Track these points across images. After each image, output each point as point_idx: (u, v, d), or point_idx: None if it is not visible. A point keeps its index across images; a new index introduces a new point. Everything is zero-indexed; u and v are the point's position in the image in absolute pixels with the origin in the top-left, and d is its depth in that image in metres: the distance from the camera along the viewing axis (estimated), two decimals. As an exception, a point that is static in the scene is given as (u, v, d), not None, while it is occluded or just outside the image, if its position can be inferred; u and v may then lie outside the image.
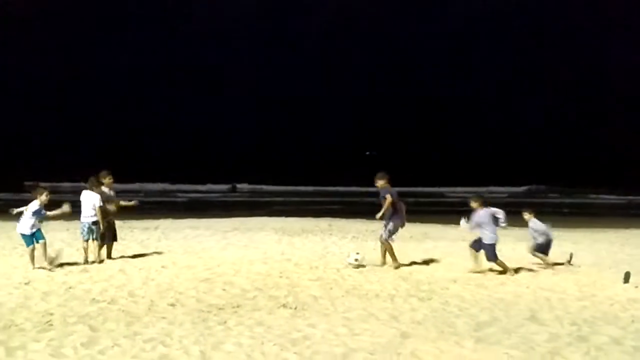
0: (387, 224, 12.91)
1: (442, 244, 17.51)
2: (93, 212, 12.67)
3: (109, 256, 13.07)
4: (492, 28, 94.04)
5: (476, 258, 12.57)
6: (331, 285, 10.88)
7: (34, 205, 11.98)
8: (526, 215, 13.78)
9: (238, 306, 9.14)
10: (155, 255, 14.03)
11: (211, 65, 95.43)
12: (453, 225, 19.01)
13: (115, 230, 13.40)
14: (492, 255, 12.33)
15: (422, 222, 26.81)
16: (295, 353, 6.88)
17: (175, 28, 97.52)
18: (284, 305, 9.24)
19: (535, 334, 7.95)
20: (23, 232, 11.97)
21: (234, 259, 13.73)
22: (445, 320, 8.57)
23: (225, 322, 8.19)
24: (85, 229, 12.64)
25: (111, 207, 13.03)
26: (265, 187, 54.58)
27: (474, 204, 12.59)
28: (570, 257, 13.81)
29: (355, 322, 8.32)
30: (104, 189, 12.99)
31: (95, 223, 12.66)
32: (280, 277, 11.46)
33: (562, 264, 13.37)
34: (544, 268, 13.09)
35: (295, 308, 9.09)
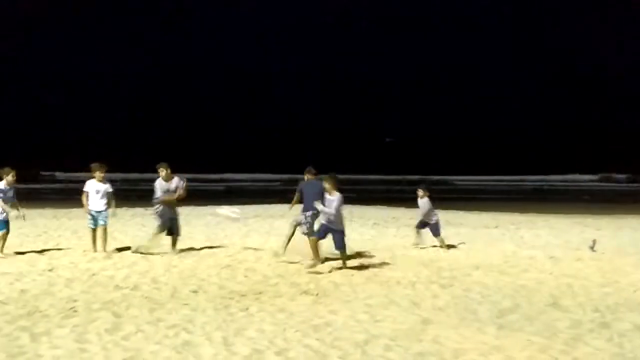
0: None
1: (464, 231, 17.47)
2: (99, 200, 12.65)
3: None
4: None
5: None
6: (352, 272, 10.88)
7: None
8: (420, 193, 14.19)
9: (260, 293, 9.17)
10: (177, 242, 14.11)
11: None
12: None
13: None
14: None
15: (443, 209, 26.79)
16: (317, 339, 6.89)
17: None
18: (306, 292, 9.25)
19: (557, 320, 7.90)
20: None
21: (255, 245, 13.79)
22: (467, 306, 8.54)
23: (247, 308, 8.22)
24: (92, 217, 12.67)
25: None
26: (283, 176, 54.67)
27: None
28: (594, 244, 13.73)
29: (377, 309, 8.32)
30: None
31: (99, 212, 12.64)
32: (302, 263, 11.49)
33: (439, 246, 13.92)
34: (419, 246, 13.99)
35: (317, 295, 9.10)
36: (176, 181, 12.73)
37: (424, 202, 14.01)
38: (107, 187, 12.79)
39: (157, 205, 12.68)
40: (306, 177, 12.48)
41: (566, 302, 8.86)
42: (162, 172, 12.62)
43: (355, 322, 7.67)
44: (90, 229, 12.72)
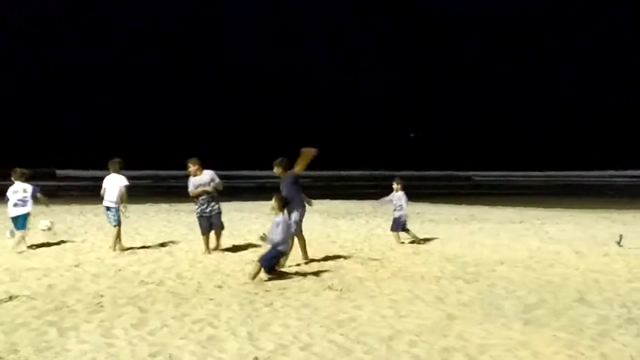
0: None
1: (488, 226, 17.35)
2: (114, 196, 12.49)
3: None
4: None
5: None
6: (376, 268, 10.86)
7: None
8: (395, 186, 14.26)
9: (284, 288, 9.19)
10: (201, 238, 14.18)
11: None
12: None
13: None
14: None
15: (468, 204, 26.68)
16: (341, 334, 6.89)
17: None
18: (330, 287, 9.25)
19: (584, 316, 7.83)
20: None
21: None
22: (492, 302, 8.49)
23: (271, 303, 8.24)
24: (108, 213, 12.63)
25: None
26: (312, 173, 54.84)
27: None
28: (620, 239, 13.58)
29: (401, 304, 8.30)
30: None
31: (109, 208, 12.52)
32: (326, 259, 11.48)
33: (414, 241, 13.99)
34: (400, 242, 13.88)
35: (341, 290, 9.09)
36: (208, 174, 12.49)
37: (399, 195, 14.09)
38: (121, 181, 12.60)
39: (197, 203, 12.48)
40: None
41: (593, 298, 8.77)
42: (190, 167, 12.47)
43: (380, 317, 7.66)
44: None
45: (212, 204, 12.44)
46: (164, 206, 22.54)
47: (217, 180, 12.51)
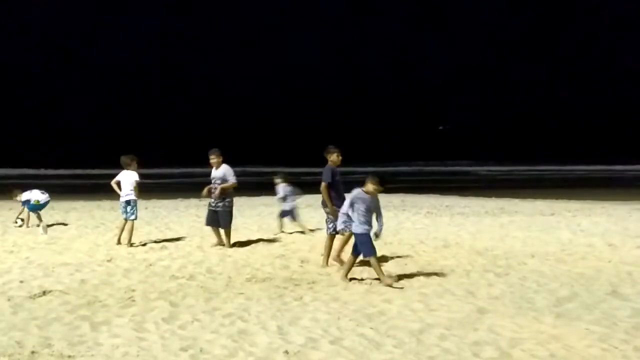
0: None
1: (519, 218, 17.20)
2: (130, 191, 12.50)
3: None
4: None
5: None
6: (406, 261, 10.83)
7: None
8: (277, 180, 14.73)
9: (314, 282, 9.20)
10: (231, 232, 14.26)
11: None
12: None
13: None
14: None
15: (497, 196, 26.47)
16: (371, 328, 6.88)
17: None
18: (359, 281, 9.24)
19: (617, 309, 7.73)
20: None
21: (308, 235, 13.83)
22: (523, 295, 8.42)
23: (301, 297, 8.25)
24: (122, 208, 12.68)
25: None
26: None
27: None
28: None
29: (431, 298, 8.27)
30: None
31: (128, 202, 12.54)
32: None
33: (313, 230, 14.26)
34: (304, 233, 14.09)
35: (371, 284, 9.08)
36: (222, 170, 12.26)
37: (281, 187, 14.63)
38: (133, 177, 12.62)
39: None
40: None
41: (626, 291, 8.66)
42: (211, 159, 12.31)
43: (410, 311, 7.64)
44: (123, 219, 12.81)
45: (223, 198, 12.23)
46: (194, 201, 22.69)
47: (230, 179, 12.19)
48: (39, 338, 6.46)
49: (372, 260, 8.99)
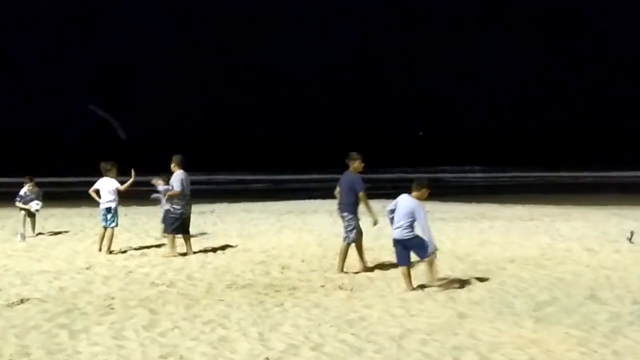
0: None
1: (498, 224, 17.29)
2: (109, 198, 12.46)
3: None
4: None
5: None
6: (387, 267, 10.85)
7: None
8: (154, 181, 13.63)
9: (294, 288, 9.20)
10: (211, 238, 14.22)
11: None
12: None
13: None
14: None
15: (477, 202, 26.62)
16: (352, 334, 6.89)
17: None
18: (340, 287, 9.25)
19: (596, 313, 7.79)
20: None
21: (289, 241, 13.82)
22: (503, 300, 8.46)
23: (282, 304, 8.25)
24: (102, 215, 12.59)
25: None
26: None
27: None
28: (631, 235, 13.51)
29: (412, 303, 8.29)
30: None
31: (109, 209, 12.47)
32: (336, 259, 11.46)
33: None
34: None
35: (352, 290, 9.09)
36: (175, 176, 12.11)
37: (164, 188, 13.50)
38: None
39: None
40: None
41: (604, 295, 8.74)
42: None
43: (391, 316, 7.66)
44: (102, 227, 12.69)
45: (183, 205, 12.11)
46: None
47: (174, 186, 11.98)
48: (17, 347, 6.41)
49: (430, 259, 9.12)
